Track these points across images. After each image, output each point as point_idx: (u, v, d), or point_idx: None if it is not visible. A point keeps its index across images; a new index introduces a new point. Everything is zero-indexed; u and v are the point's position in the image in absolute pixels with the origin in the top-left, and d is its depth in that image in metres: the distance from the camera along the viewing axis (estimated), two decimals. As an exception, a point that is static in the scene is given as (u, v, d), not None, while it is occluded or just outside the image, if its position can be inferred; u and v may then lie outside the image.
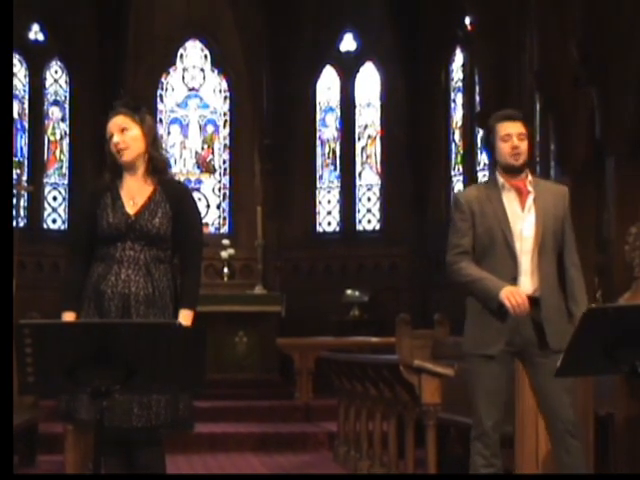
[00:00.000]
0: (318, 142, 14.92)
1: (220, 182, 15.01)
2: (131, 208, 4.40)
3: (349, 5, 14.49)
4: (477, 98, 12.60)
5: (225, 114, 15.04)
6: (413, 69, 13.90)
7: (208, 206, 14.89)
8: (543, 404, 4.62)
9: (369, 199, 14.68)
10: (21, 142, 14.12)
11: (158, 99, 14.79)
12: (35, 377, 3.26)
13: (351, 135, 14.77)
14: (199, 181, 14.99)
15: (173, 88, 15.04)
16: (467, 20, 12.87)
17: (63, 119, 14.39)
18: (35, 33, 14.24)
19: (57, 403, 4.37)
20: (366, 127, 14.77)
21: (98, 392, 3.27)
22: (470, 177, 13.13)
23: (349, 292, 13.75)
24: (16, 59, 14.10)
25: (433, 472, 6.18)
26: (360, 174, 14.75)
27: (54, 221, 14.24)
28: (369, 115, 14.77)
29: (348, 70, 14.83)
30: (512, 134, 4.67)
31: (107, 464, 4.31)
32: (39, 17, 14.12)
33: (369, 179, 14.71)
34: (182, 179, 14.46)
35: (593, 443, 5.41)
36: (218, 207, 14.97)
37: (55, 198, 14.30)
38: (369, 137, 14.74)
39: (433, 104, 13.74)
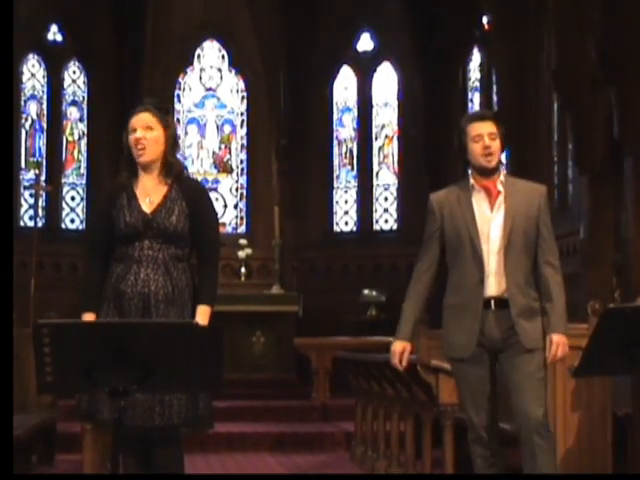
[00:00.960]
0: (335, 142, 14.92)
1: (237, 182, 15.03)
2: (147, 206, 4.41)
3: (366, 5, 14.47)
4: (494, 98, 12.58)
5: (242, 114, 15.06)
6: (430, 69, 13.87)
7: (225, 206, 14.90)
8: (513, 402, 4.58)
9: (386, 199, 14.67)
10: (39, 142, 14.18)
11: (175, 99, 14.81)
12: (53, 377, 3.27)
13: (368, 135, 14.76)
14: (216, 181, 15.01)
15: (190, 88, 15.07)
16: (484, 19, 12.85)
17: (81, 119, 14.43)
18: (53, 34, 14.29)
19: (77, 403, 4.38)
20: (383, 127, 14.75)
21: (116, 392, 3.29)
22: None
23: (366, 292, 13.74)
24: (35, 60, 14.17)
25: (450, 472, 6.18)
26: (377, 174, 14.74)
27: (72, 221, 14.29)
28: (386, 115, 14.75)
29: (365, 70, 14.82)
30: (483, 134, 4.58)
31: (125, 463, 4.33)
32: (57, 18, 14.16)
33: (386, 179, 14.70)
34: (199, 179, 14.50)
35: (611, 443, 5.39)
36: (235, 207, 14.99)
37: (73, 198, 14.34)
38: (386, 137, 14.73)
39: (450, 104, 13.71)
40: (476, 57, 13.62)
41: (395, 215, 14.55)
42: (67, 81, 14.39)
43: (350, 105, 14.94)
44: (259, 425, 9.77)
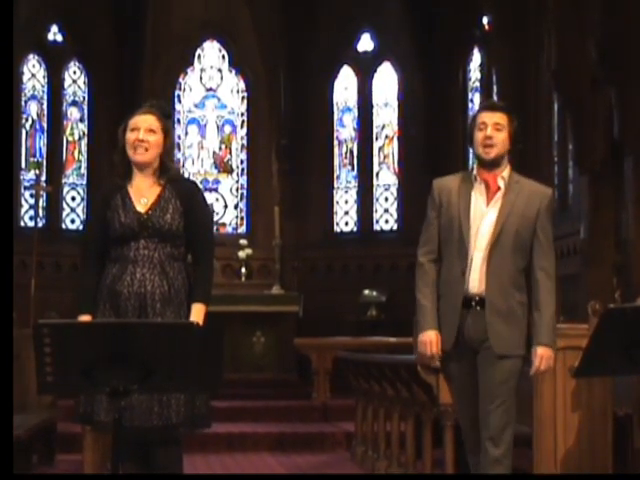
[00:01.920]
0: (335, 142, 14.92)
1: (237, 182, 15.03)
2: (142, 206, 4.42)
3: (366, 5, 14.46)
4: (495, 98, 12.57)
5: (242, 114, 15.06)
6: (430, 69, 13.88)
7: (226, 206, 14.90)
8: (479, 409, 4.45)
9: (386, 199, 14.66)
10: (40, 143, 14.18)
11: (176, 99, 14.81)
12: (54, 377, 3.27)
13: (368, 135, 14.75)
14: (217, 181, 15.00)
15: (191, 88, 15.07)
16: (484, 20, 12.84)
17: (81, 119, 14.44)
18: (54, 34, 14.29)
19: (75, 406, 4.38)
20: (383, 127, 14.75)
21: (116, 392, 3.29)
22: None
23: (366, 292, 13.74)
24: (35, 60, 14.17)
25: (451, 472, 6.18)
26: (377, 174, 14.74)
27: (72, 221, 14.29)
28: (386, 115, 14.75)
29: (365, 70, 14.82)
30: (488, 123, 4.45)
31: (124, 465, 4.32)
32: (58, 18, 14.16)
33: (386, 179, 14.70)
34: (200, 179, 14.50)
35: (612, 444, 5.39)
36: (235, 207, 14.99)
37: (74, 198, 14.34)
38: (386, 137, 14.73)
39: (450, 104, 13.71)
40: (476, 57, 13.61)
41: (395, 215, 14.55)
42: (67, 81, 14.39)
43: (350, 105, 14.94)
44: (259, 425, 9.77)
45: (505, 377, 4.39)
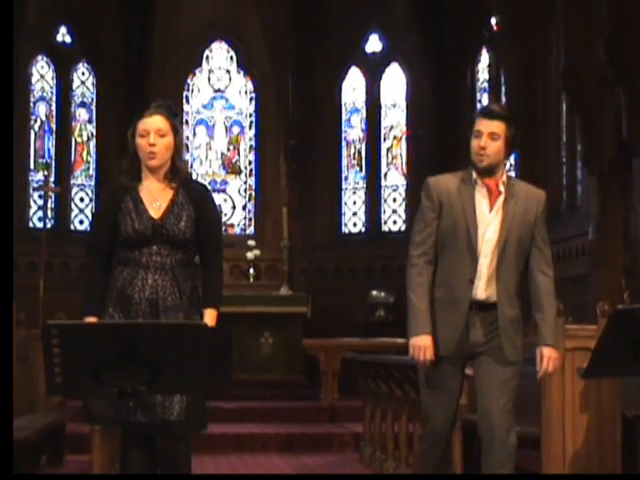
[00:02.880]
0: (343, 143, 14.92)
1: (246, 183, 15.03)
2: (155, 212, 4.36)
3: (374, 6, 14.46)
4: (503, 99, 12.57)
5: (251, 115, 15.07)
6: (439, 70, 13.87)
7: (234, 207, 14.92)
8: (480, 408, 4.47)
9: (394, 200, 14.66)
10: (48, 144, 14.21)
11: (184, 100, 14.83)
12: (62, 378, 3.27)
13: (376, 136, 14.75)
14: (225, 182, 15.02)
15: (199, 89, 15.08)
16: (493, 20, 12.83)
17: (90, 121, 14.46)
18: (62, 35, 14.32)
19: (83, 406, 4.38)
20: (391, 128, 14.75)
21: (125, 392, 3.29)
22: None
23: (374, 293, 13.74)
24: (44, 61, 14.20)
25: (459, 472, 6.17)
26: (385, 175, 14.74)
27: (81, 222, 14.31)
28: (394, 116, 14.75)
29: (373, 71, 14.82)
30: (483, 132, 4.42)
31: (131, 456, 4.32)
32: (66, 20, 14.19)
33: (394, 180, 14.70)
34: (208, 180, 14.52)
35: (620, 444, 5.38)
36: (244, 208, 15.00)
37: (82, 199, 14.37)
38: (394, 138, 14.73)
39: (459, 105, 13.70)
40: (485, 58, 13.60)
41: (403, 216, 14.53)
42: (76, 82, 14.41)
43: (359, 106, 14.94)
44: (267, 426, 9.77)
45: (510, 378, 4.40)
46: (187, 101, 14.92)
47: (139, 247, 4.34)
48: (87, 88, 14.46)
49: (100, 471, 6.49)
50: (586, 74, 10.04)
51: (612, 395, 5.41)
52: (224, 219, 14.23)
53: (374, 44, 14.85)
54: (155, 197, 4.39)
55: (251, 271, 13.81)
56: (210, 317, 4.34)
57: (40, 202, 13.55)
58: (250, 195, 15.00)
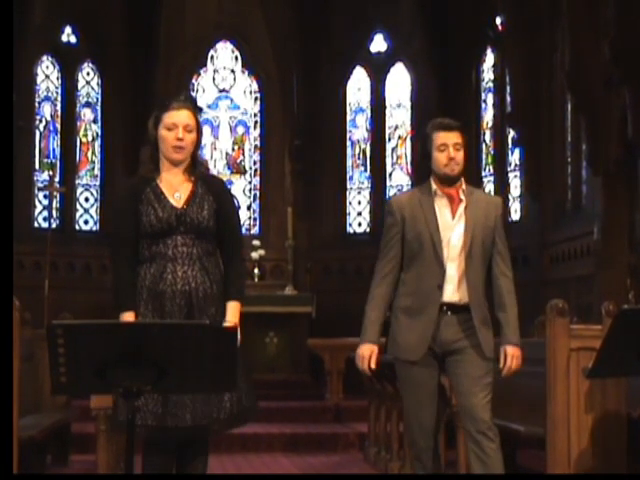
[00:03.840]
0: (348, 143, 14.92)
1: (250, 183, 15.05)
2: (177, 201, 4.35)
3: (379, 6, 14.47)
4: (508, 99, 12.56)
5: (255, 115, 15.08)
6: (444, 69, 13.86)
7: (239, 207, 14.91)
8: (460, 405, 4.64)
9: (399, 200, 14.64)
10: (53, 144, 14.23)
11: (189, 100, 14.82)
12: (68, 377, 3.27)
13: (381, 136, 14.75)
14: (230, 182, 14.98)
15: (204, 89, 15.10)
16: (498, 20, 12.83)
17: (95, 120, 14.48)
18: (68, 35, 14.34)
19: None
20: (396, 128, 14.75)
21: (130, 392, 3.29)
22: (501, 178, 13.08)
23: (379, 293, 13.71)
24: (49, 61, 14.23)
25: (464, 473, 6.17)
26: (390, 175, 14.74)
27: (86, 222, 14.33)
28: (399, 116, 14.75)
29: (378, 71, 14.82)
30: (448, 144, 4.67)
31: (154, 460, 4.34)
32: (72, 20, 14.21)
33: (399, 180, 14.70)
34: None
35: (625, 445, 5.38)
36: (249, 208, 15.01)
37: (87, 199, 14.38)
38: (399, 138, 14.73)
39: (464, 104, 13.69)
40: (490, 58, 13.60)
41: (408, 216, 14.52)
42: (81, 82, 14.44)
43: (363, 106, 14.94)
44: (272, 426, 9.76)
45: (487, 373, 4.58)
46: (192, 101, 14.92)
47: (163, 239, 4.29)
48: (92, 88, 14.48)
49: (105, 471, 6.49)
50: (591, 74, 10.03)
51: (617, 395, 5.41)
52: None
53: (379, 44, 14.85)
54: (176, 188, 4.39)
55: (256, 271, 13.82)
56: (233, 310, 4.35)
57: (45, 202, 13.57)
58: (255, 195, 15.01)
